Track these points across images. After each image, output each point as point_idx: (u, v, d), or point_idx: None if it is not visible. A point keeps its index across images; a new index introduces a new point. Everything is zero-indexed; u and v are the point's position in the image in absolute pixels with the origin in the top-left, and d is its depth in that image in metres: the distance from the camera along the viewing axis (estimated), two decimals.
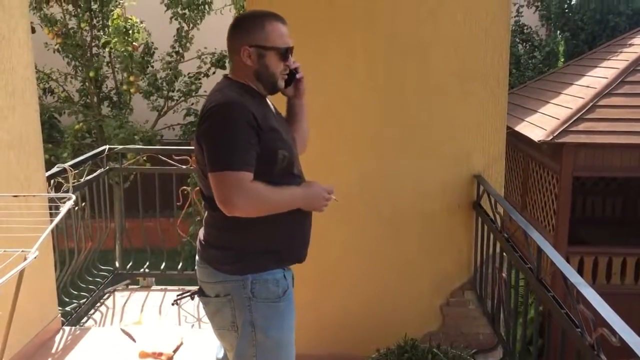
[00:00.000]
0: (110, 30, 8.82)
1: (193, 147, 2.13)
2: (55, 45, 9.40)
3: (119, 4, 8.82)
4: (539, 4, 12.76)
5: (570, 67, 10.11)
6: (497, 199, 3.03)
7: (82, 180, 4.17)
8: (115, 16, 8.68)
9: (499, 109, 3.24)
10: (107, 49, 9.28)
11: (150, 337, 3.61)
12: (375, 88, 3.24)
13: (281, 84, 2.12)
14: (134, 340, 3.61)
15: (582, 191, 9.47)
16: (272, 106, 2.16)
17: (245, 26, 2.06)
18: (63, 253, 4.04)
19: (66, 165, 3.94)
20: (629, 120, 7.61)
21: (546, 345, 2.80)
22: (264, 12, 2.10)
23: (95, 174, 4.42)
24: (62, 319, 3.85)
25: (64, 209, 2.67)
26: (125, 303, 4.43)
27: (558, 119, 7.82)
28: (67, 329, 3.79)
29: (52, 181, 3.79)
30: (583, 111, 7.72)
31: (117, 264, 4.85)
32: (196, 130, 2.02)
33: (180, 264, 4.78)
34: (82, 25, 9.43)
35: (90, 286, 4.42)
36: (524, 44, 12.75)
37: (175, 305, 2.35)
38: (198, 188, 2.24)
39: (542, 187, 8.51)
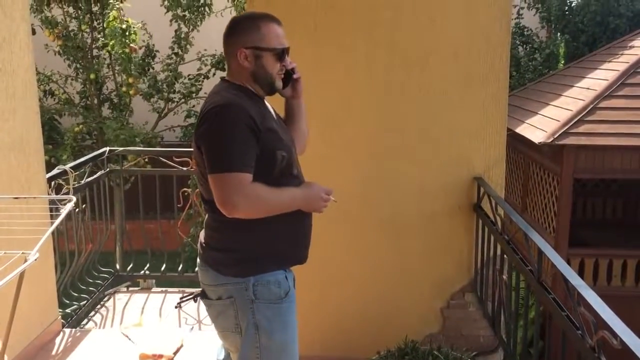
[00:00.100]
0: (106, 32, 8.82)
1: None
2: (56, 47, 9.40)
3: (116, 6, 8.81)
4: (540, 5, 12.75)
5: (571, 69, 10.11)
6: (497, 201, 3.03)
7: (82, 182, 4.17)
8: (111, 18, 8.67)
9: (500, 111, 3.24)
10: (104, 51, 9.28)
11: (150, 339, 3.61)
12: (375, 93, 3.24)
13: (279, 84, 2.12)
14: (133, 342, 3.61)
15: (582, 193, 9.47)
16: (270, 107, 2.16)
17: (241, 28, 2.06)
18: (63, 255, 4.04)
19: (67, 167, 3.95)
20: (630, 122, 7.61)
21: (547, 347, 2.80)
22: (259, 13, 2.11)
23: (95, 176, 4.42)
24: (62, 321, 3.84)
25: (64, 211, 2.66)
26: (125, 305, 4.43)
27: (558, 120, 7.82)
28: (67, 331, 3.79)
29: (52, 183, 3.79)
30: (583, 113, 7.72)
31: (117, 266, 4.85)
32: (195, 133, 2.02)
33: (181, 265, 4.77)
34: (83, 27, 9.43)
35: (91, 288, 4.41)
36: (524, 46, 12.74)
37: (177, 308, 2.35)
38: (198, 190, 2.24)
39: (542, 189, 8.50)
